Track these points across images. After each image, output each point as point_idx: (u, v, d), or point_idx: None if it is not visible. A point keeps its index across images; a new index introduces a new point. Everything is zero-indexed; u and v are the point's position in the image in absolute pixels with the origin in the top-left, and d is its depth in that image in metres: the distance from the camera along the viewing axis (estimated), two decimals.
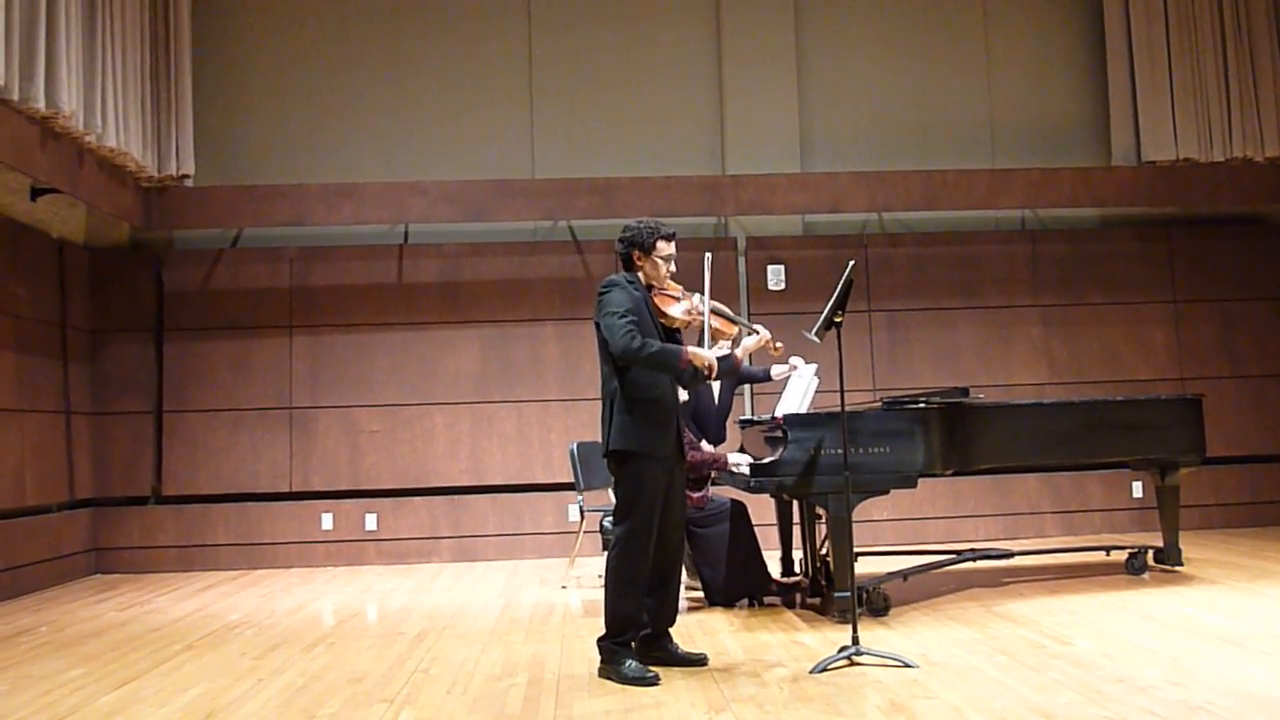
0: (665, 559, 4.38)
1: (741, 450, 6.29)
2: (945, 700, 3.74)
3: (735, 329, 4.72)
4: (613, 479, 4.40)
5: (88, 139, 6.69)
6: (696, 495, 5.77)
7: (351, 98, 8.60)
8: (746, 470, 5.40)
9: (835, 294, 4.47)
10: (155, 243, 8.33)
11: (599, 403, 4.42)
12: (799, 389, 5.70)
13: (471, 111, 8.63)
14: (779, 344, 5.16)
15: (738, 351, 4.66)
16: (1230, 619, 4.95)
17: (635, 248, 4.42)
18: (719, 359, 4.48)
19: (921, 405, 5.38)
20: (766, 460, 5.25)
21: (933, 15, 8.94)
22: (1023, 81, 8.94)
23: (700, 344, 4.43)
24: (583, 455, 6.62)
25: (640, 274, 4.44)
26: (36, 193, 7.11)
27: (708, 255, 4.57)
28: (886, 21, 8.91)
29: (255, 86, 8.57)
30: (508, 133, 8.64)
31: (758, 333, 4.77)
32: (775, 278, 8.40)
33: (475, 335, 8.28)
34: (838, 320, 4.48)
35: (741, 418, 6.76)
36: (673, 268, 4.49)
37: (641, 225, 4.45)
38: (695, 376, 4.27)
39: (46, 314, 7.42)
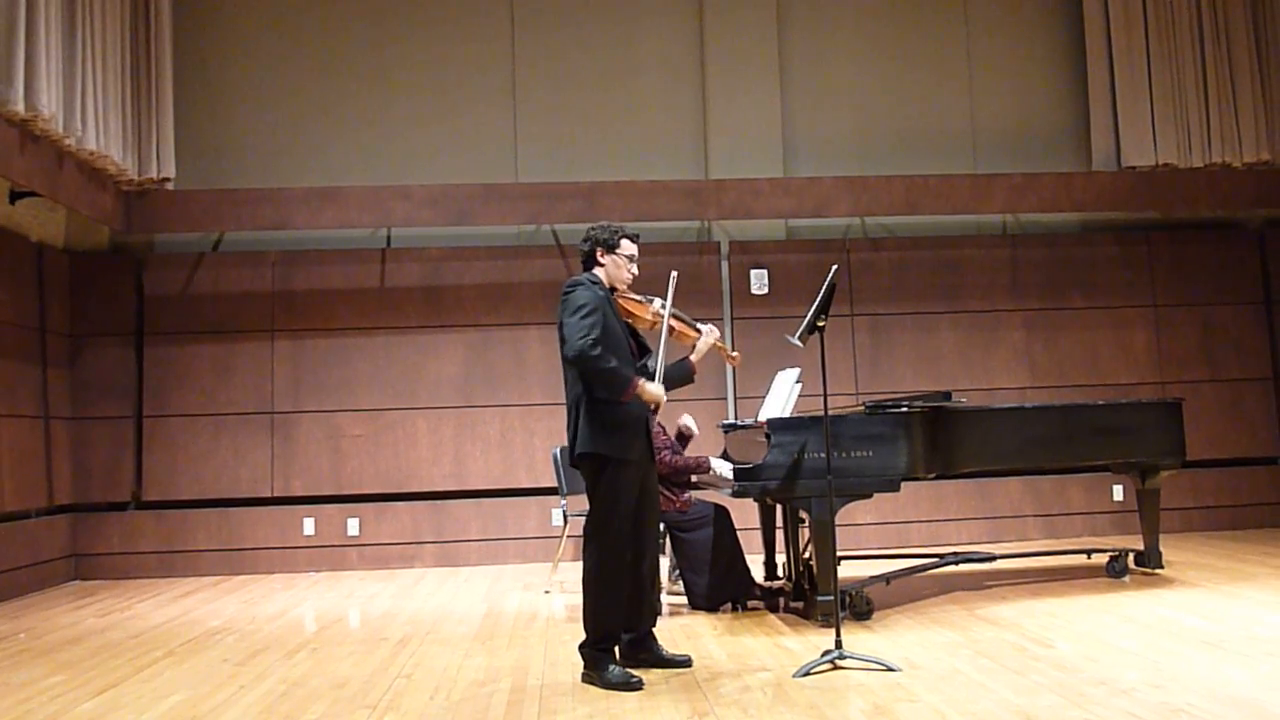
0: (642, 562, 4.38)
1: (725, 454, 6.29)
2: (928, 703, 3.75)
3: (694, 334, 4.69)
4: (586, 484, 4.37)
5: (67, 142, 6.64)
6: (680, 499, 5.78)
7: (334, 101, 8.58)
8: (729, 474, 5.40)
9: (818, 298, 4.48)
10: (136, 246, 8.28)
11: None
12: (782, 393, 5.71)
13: (454, 115, 8.62)
14: (735, 353, 5.10)
15: (692, 357, 4.64)
16: (1210, 621, 4.98)
17: (599, 245, 4.46)
18: (678, 364, 4.51)
19: (904, 409, 5.40)
20: (750, 464, 5.26)
21: (915, 21, 8.99)
22: (1004, 87, 9.00)
23: (658, 348, 4.42)
24: (566, 460, 6.59)
25: (602, 272, 4.45)
26: (15, 196, 7.06)
27: (673, 274, 4.56)
28: (869, 27, 8.96)
29: (237, 89, 8.53)
30: (491, 136, 8.63)
31: (705, 334, 4.74)
32: (758, 282, 8.42)
33: (458, 339, 8.26)
34: (820, 324, 4.49)
35: (724, 422, 6.77)
36: (634, 269, 4.51)
37: (607, 225, 4.52)
38: (644, 406, 4.32)
39: (25, 318, 7.36)
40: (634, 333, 4.52)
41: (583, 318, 4.18)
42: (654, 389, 4.27)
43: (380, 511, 8.07)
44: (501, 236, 8.49)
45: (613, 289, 4.46)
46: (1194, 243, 8.82)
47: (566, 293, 4.32)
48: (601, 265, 4.46)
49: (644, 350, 4.53)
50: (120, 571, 7.84)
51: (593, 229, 4.51)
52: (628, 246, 4.47)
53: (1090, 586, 6.05)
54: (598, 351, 4.13)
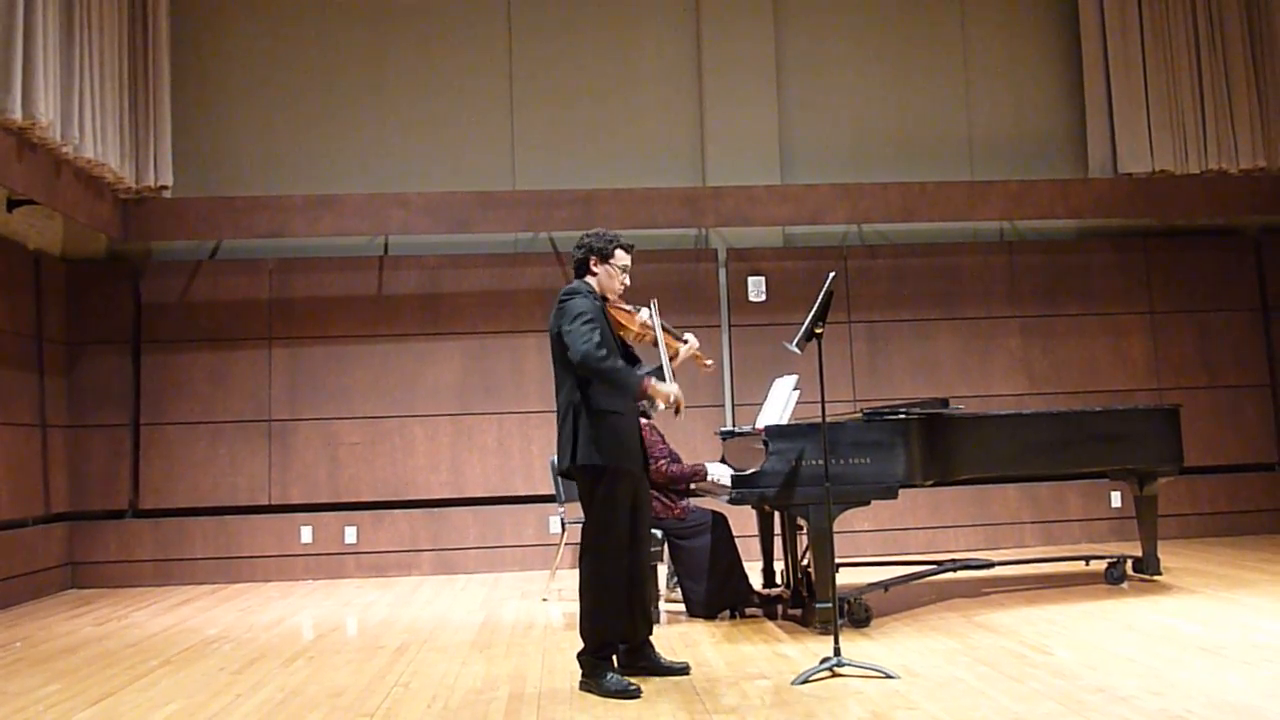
0: (638, 570, 4.39)
1: (723, 462, 6.29)
2: (926, 711, 3.75)
3: (679, 345, 4.67)
4: (581, 494, 4.35)
5: (65, 150, 6.64)
6: (678, 507, 5.77)
7: (331, 109, 8.58)
8: (727, 482, 5.40)
9: (815, 305, 4.49)
10: (133, 254, 8.27)
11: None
12: (779, 400, 5.71)
13: (452, 123, 8.62)
14: (709, 361, 5.02)
15: (674, 363, 4.62)
16: (1208, 628, 4.98)
17: (593, 254, 4.44)
18: (655, 370, 4.42)
19: (902, 416, 5.40)
20: (748, 471, 5.26)
21: (912, 28, 9.01)
22: (1001, 94, 9.02)
23: (660, 354, 4.42)
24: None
25: (594, 281, 4.44)
26: (13, 204, 7.06)
27: (653, 302, 4.54)
28: (866, 34, 8.97)
29: (234, 97, 8.53)
30: (489, 144, 8.64)
31: (688, 343, 4.71)
32: (755, 289, 8.42)
33: (456, 347, 8.26)
34: (818, 332, 4.50)
35: (722, 429, 6.77)
36: (626, 280, 4.49)
37: (602, 232, 4.49)
38: (652, 405, 4.29)
39: (22, 326, 7.35)
40: (624, 343, 4.52)
41: (584, 324, 4.17)
42: (666, 386, 4.25)
43: (377, 519, 8.06)
44: (499, 244, 8.49)
45: (603, 298, 4.45)
46: (1190, 249, 8.83)
47: (563, 301, 4.31)
48: (594, 274, 4.45)
49: (632, 360, 4.50)
50: (117, 580, 7.82)
51: (587, 236, 4.49)
52: (621, 257, 4.45)
53: (1088, 593, 6.04)
54: (604, 353, 4.11)
